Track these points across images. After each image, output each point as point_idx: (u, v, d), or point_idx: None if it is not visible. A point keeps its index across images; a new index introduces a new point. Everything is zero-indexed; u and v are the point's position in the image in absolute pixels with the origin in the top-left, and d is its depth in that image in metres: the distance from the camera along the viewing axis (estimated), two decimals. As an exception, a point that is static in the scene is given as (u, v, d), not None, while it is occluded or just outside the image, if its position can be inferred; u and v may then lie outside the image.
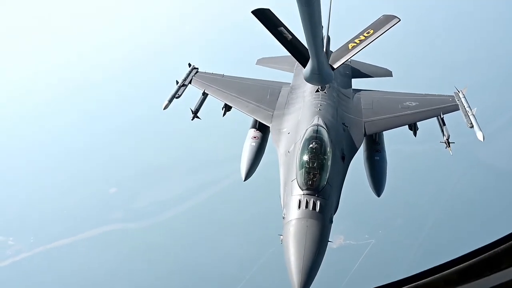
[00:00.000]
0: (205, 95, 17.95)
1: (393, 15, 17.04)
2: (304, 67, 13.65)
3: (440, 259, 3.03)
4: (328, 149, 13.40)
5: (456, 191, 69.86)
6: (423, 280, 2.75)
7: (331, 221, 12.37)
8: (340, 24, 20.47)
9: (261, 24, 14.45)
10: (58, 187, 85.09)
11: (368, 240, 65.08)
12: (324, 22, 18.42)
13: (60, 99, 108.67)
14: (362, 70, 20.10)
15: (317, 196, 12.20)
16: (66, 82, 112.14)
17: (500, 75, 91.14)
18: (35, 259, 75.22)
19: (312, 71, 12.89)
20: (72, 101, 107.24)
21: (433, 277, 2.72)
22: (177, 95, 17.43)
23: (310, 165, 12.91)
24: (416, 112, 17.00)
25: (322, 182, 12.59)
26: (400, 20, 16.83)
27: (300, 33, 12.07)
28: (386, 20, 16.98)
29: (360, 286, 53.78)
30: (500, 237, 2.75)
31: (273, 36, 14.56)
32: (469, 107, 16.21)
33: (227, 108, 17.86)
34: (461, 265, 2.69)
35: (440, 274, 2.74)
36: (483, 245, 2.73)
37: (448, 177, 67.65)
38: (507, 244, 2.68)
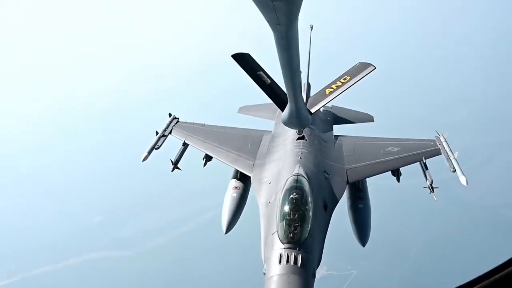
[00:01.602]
0: (185, 145, 17.66)
1: (368, 63, 17.13)
2: (282, 110, 13.44)
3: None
4: (309, 199, 13.02)
5: (439, 226, 70.55)
6: None
7: (314, 276, 11.87)
8: (320, 71, 20.49)
9: (241, 68, 14.36)
10: (42, 213, 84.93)
11: (350, 271, 65.70)
12: (304, 69, 18.54)
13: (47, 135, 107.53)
14: (343, 116, 20.08)
15: (299, 250, 11.70)
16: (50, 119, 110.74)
17: (479, 113, 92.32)
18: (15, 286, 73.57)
19: (290, 115, 12.60)
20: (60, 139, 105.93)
21: None
22: (156, 146, 17.14)
23: (291, 216, 12.49)
24: (399, 158, 16.84)
25: (303, 235, 12.12)
26: (375, 68, 16.93)
27: (279, 78, 11.87)
28: (362, 67, 17.08)
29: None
30: (484, 271, 2.79)
31: (252, 80, 14.40)
32: (451, 151, 16.14)
33: (207, 158, 17.55)
34: None
35: None
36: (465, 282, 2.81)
37: (432, 211, 67.30)
38: (490, 279, 2.68)
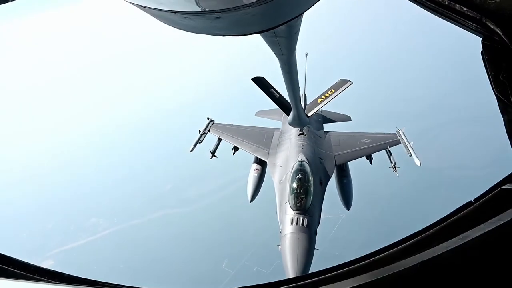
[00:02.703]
0: (219, 140, 17.90)
1: (347, 80, 17.74)
2: (288, 115, 13.88)
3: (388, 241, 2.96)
4: (311, 178, 13.33)
5: (399, 189, 69.71)
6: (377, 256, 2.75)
7: (316, 233, 12.24)
8: (314, 85, 20.58)
9: (258, 87, 14.75)
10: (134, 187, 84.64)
11: (340, 215, 64.21)
12: (302, 84, 18.54)
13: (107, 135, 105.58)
14: (330, 117, 20.26)
15: (305, 215, 12.09)
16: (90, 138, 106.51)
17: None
18: (120, 233, 74.20)
19: (293, 118, 13.07)
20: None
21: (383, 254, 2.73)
22: (199, 141, 17.42)
23: (298, 191, 12.85)
24: (371, 147, 16.95)
25: (307, 204, 12.50)
26: (352, 83, 17.50)
27: (284, 92, 12.36)
28: (342, 83, 17.58)
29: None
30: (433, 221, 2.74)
31: (266, 95, 14.76)
32: (407, 141, 16.19)
33: (235, 148, 17.74)
34: (403, 245, 2.70)
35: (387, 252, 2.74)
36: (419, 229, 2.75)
37: (395, 183, 66.60)
38: (437, 227, 2.68)
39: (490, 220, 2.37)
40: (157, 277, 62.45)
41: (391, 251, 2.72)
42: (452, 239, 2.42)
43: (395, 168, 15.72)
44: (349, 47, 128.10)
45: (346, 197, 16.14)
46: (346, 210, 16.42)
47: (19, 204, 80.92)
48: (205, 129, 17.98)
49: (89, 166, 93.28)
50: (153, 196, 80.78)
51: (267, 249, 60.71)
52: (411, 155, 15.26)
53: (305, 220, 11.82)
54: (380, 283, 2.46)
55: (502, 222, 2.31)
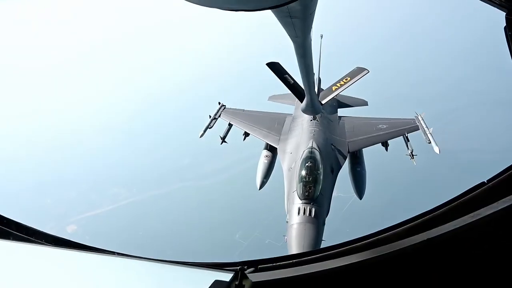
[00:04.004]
0: (230, 125, 17.44)
1: (363, 68, 16.83)
2: (301, 102, 13.27)
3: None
4: (321, 166, 12.79)
5: (415, 180, 67.16)
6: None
7: (324, 224, 11.83)
8: (328, 69, 19.69)
9: (273, 73, 14.46)
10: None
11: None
12: (316, 66, 17.76)
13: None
14: (345, 102, 19.35)
15: (313, 204, 11.69)
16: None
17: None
18: (138, 203, 76.44)
19: (307, 105, 12.45)
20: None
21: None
22: (210, 126, 17.04)
23: (307, 179, 12.39)
24: (387, 133, 16.26)
25: (316, 193, 12.06)
26: (369, 72, 16.66)
27: (298, 79, 11.91)
28: (359, 71, 16.70)
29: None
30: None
31: (280, 81, 14.40)
32: (427, 127, 15.42)
33: (246, 134, 17.30)
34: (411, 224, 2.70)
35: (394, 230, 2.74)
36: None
37: (412, 173, 64.45)
38: (447, 207, 2.65)
39: (503, 199, 2.29)
40: (173, 245, 64.16)
41: (397, 229, 2.70)
42: (463, 217, 2.35)
43: (412, 155, 15.03)
44: (366, 29, 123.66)
45: (359, 186, 15.55)
46: (358, 199, 15.79)
47: (45, 173, 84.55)
48: (215, 114, 17.51)
49: (111, 138, 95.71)
50: (171, 170, 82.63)
51: (280, 223, 60.52)
52: (430, 142, 14.52)
53: (313, 210, 11.40)
54: (383, 259, 2.45)
55: None
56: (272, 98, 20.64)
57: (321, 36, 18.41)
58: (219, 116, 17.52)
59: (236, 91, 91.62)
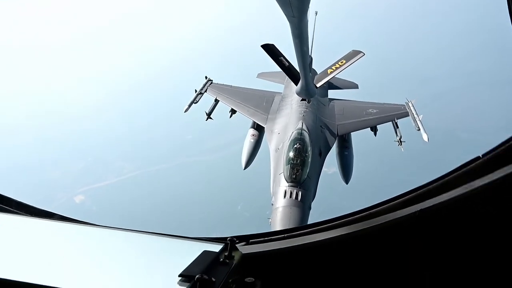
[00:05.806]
0: (216, 101, 16.72)
1: (359, 51, 16.35)
2: (296, 85, 12.80)
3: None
4: (309, 149, 12.33)
5: (403, 167, 64.78)
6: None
7: (310, 208, 11.47)
8: (322, 48, 19.00)
9: (267, 54, 14.09)
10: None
11: None
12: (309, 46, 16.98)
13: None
14: (335, 84, 18.79)
15: (299, 188, 11.28)
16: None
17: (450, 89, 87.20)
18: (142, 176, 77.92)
19: (301, 88, 11.93)
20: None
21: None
22: (195, 101, 16.33)
23: (295, 161, 11.91)
24: (376, 118, 15.86)
25: (303, 176, 11.63)
26: (364, 54, 16.20)
27: (293, 61, 11.68)
28: (354, 54, 16.19)
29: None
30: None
31: (275, 63, 14.03)
32: (417, 114, 15.03)
33: (233, 111, 16.63)
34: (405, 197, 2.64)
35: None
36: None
37: (398, 157, 64.29)
38: (441, 181, 2.59)
39: (498, 170, 2.25)
40: (177, 217, 64.87)
41: (390, 203, 2.68)
42: (456, 189, 2.35)
43: (401, 142, 14.74)
44: (361, 8, 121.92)
45: (346, 170, 15.22)
46: (345, 184, 15.49)
47: (53, 146, 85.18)
48: (201, 89, 16.73)
49: (116, 113, 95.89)
50: (174, 145, 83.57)
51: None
52: (419, 129, 14.19)
53: (299, 193, 11.02)
54: (375, 230, 2.47)
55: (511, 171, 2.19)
56: (261, 75, 19.89)
57: (316, 13, 17.60)
58: (205, 91, 16.79)
59: (225, 67, 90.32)
